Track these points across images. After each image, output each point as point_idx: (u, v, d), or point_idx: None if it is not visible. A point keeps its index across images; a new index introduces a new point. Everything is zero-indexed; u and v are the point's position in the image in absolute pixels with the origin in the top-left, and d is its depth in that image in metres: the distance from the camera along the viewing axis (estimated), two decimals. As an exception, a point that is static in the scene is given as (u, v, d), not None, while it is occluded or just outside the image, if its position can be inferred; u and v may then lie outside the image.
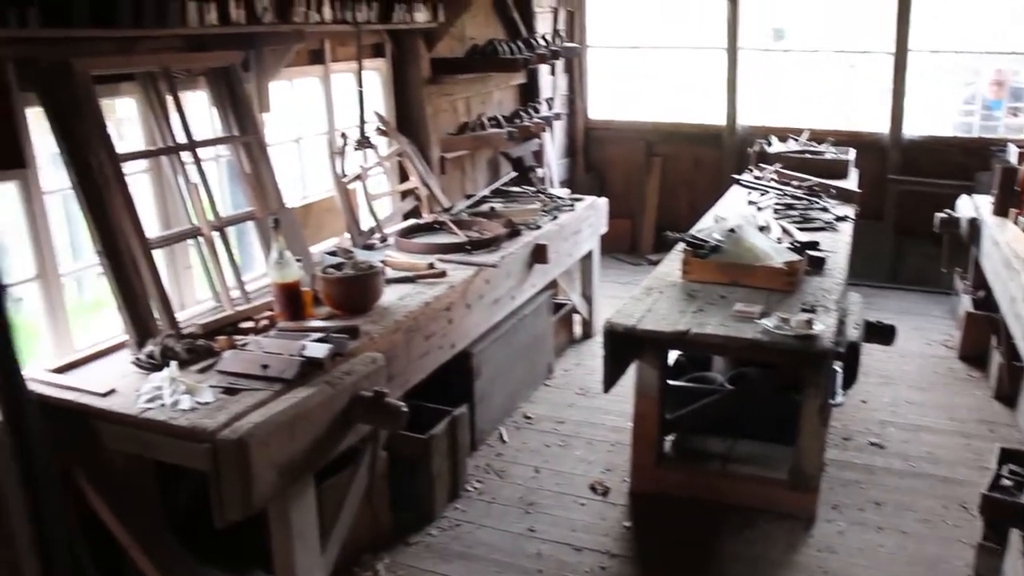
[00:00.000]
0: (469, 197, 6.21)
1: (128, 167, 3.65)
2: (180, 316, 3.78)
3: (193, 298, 4.25)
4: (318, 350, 3.30)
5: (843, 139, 7.70)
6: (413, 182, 5.61)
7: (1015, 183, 5.71)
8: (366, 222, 5.14)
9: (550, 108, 7.65)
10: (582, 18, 9.02)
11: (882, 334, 4.74)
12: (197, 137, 4.01)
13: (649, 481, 4.47)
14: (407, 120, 5.90)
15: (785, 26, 8.86)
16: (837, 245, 5.29)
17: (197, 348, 3.44)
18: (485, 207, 5.95)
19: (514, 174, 6.91)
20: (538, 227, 5.52)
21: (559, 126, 8.49)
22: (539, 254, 5.30)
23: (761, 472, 4.44)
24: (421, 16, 5.48)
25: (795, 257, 4.63)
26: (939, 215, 6.47)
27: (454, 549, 4.07)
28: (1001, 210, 5.78)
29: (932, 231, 6.59)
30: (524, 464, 4.83)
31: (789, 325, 3.93)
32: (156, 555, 3.15)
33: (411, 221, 5.49)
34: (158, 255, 3.74)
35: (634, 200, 9.00)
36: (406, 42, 5.77)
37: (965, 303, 6.32)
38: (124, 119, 4.17)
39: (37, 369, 3.32)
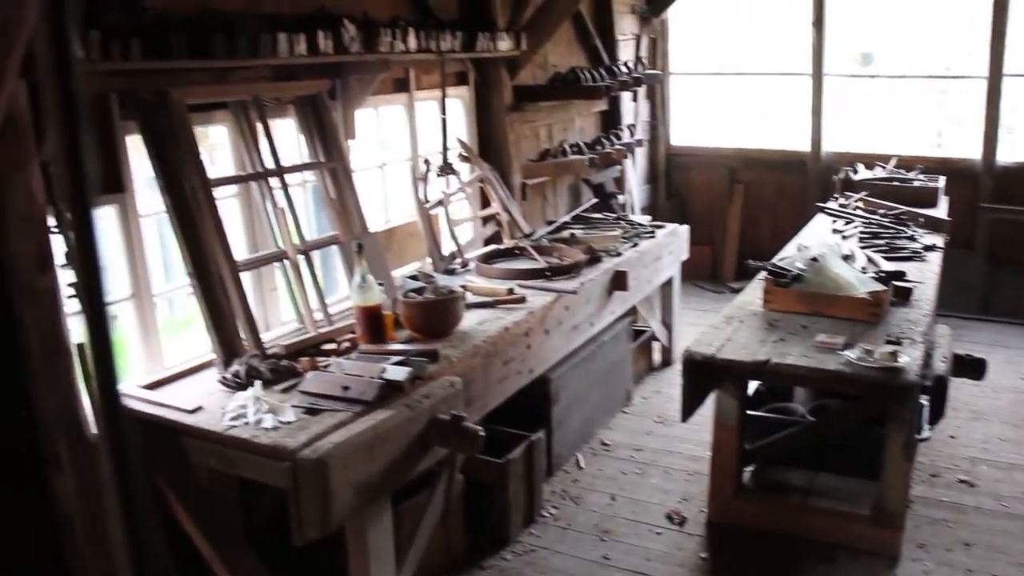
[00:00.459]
0: (550, 223, 6.25)
1: (219, 192, 3.78)
2: (265, 337, 3.88)
3: (278, 319, 4.36)
4: (398, 373, 3.36)
5: (932, 166, 7.51)
6: (494, 208, 5.67)
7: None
8: (447, 247, 5.21)
9: (632, 135, 7.65)
10: (664, 44, 9.02)
11: (972, 368, 4.59)
12: (285, 163, 4.13)
13: (727, 512, 4.41)
14: (489, 146, 5.97)
15: (873, 51, 8.70)
16: (925, 275, 5.16)
17: (280, 368, 3.52)
18: (566, 233, 5.97)
19: (595, 200, 6.93)
20: (618, 254, 5.51)
21: (641, 152, 8.48)
22: (619, 281, 5.29)
23: (843, 506, 4.33)
24: (504, 44, 5.55)
25: (880, 287, 4.53)
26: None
27: (528, 574, 4.07)
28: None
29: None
30: (600, 491, 4.81)
31: (873, 357, 3.85)
32: (237, 569, 3.23)
33: (492, 246, 5.55)
34: (245, 277, 3.85)
35: (716, 227, 8.93)
36: (489, 70, 5.85)
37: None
38: (216, 145, 4.32)
39: (130, 385, 3.45)
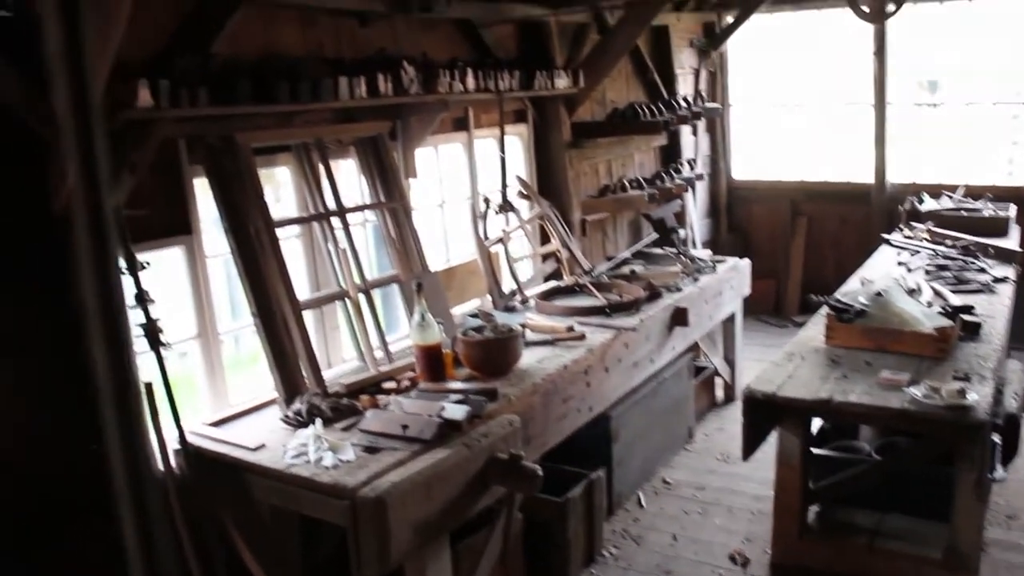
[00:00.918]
0: (610, 259, 6.25)
1: (282, 232, 3.87)
2: (327, 375, 3.94)
3: (339, 357, 4.42)
4: (456, 412, 3.38)
5: (1002, 195, 7.32)
6: (554, 245, 5.69)
7: None
8: (507, 284, 5.24)
9: (692, 169, 7.62)
10: (724, 78, 8.99)
11: (1047, 405, 4.45)
12: (346, 203, 4.21)
13: (791, 553, 4.32)
14: (548, 183, 6.01)
15: (939, 78, 8.56)
16: (995, 309, 5.02)
17: (341, 407, 3.57)
18: (626, 269, 5.96)
19: (655, 236, 6.91)
20: (679, 289, 5.48)
21: (701, 186, 8.44)
22: (679, 317, 5.26)
23: (912, 549, 4.20)
24: (562, 82, 5.60)
25: (946, 322, 4.42)
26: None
27: (589, 615, 4.04)
28: None
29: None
30: (662, 530, 4.75)
31: (939, 394, 3.75)
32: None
33: (552, 283, 5.56)
34: (308, 316, 3.93)
35: (779, 260, 8.83)
36: (547, 108, 5.90)
37: None
38: (282, 183, 4.43)
39: (196, 423, 3.53)
